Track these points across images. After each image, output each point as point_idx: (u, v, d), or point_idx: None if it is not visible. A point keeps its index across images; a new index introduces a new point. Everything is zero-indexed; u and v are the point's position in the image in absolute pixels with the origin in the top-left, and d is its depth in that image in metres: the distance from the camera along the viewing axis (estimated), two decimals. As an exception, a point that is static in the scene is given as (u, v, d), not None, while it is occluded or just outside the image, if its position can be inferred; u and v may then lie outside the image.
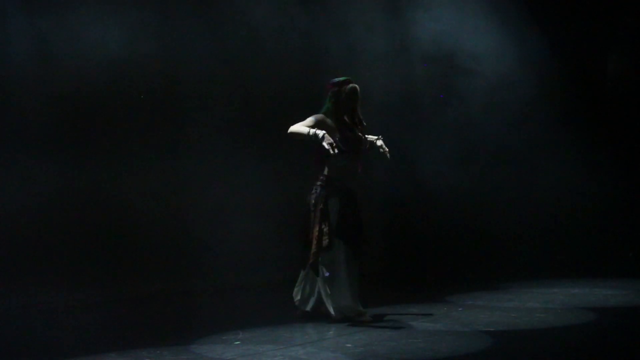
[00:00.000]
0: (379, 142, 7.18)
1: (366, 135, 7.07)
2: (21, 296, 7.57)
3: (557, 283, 9.00)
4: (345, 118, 6.87)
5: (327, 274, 6.78)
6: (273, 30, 9.38)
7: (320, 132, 6.59)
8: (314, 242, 6.69)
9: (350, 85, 6.84)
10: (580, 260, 10.23)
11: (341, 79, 6.88)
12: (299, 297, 7.00)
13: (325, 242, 6.68)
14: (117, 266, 8.23)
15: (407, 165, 10.36)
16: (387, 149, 7.18)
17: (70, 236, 7.99)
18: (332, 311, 6.78)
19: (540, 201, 10.89)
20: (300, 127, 6.69)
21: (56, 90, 7.94)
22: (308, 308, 6.98)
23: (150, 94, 8.53)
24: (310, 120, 6.75)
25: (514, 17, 10.52)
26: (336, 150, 6.53)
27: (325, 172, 6.84)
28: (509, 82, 10.53)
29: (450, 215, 10.74)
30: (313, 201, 6.80)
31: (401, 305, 7.56)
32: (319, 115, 6.80)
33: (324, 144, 6.54)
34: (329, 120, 6.80)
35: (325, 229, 6.69)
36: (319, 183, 6.84)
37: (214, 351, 5.89)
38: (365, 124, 6.99)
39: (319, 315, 6.88)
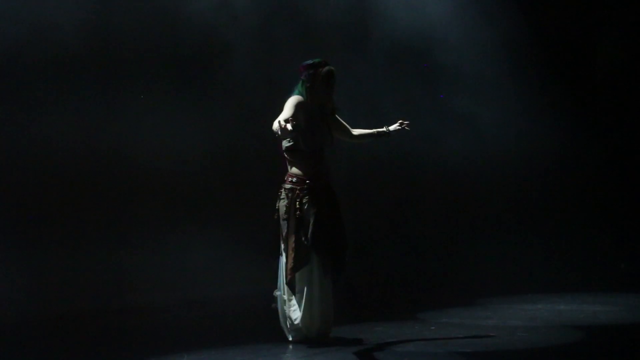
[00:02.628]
0: (393, 127, 6.69)
1: (365, 130, 6.70)
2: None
3: (541, 298, 8.93)
4: (318, 106, 6.40)
5: (278, 293, 6.49)
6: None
7: (277, 130, 5.98)
8: (291, 255, 6.26)
9: (327, 67, 6.36)
10: (567, 273, 10.24)
11: (316, 60, 6.39)
12: (279, 294, 6.64)
13: (304, 256, 6.26)
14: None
15: (377, 169, 10.45)
16: (401, 123, 6.70)
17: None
18: (287, 334, 6.47)
19: (523, 207, 11.00)
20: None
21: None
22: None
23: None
24: (288, 109, 6.19)
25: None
26: (289, 126, 5.87)
27: (294, 171, 6.37)
28: (489, 70, 10.62)
29: (421, 222, 10.78)
30: (285, 208, 6.33)
31: (367, 324, 7.39)
32: (297, 98, 6.28)
33: (282, 132, 5.92)
34: (305, 102, 6.31)
35: (304, 241, 6.27)
36: (288, 186, 6.36)
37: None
38: (339, 108, 6.57)
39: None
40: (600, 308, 8.20)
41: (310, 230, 6.25)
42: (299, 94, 6.37)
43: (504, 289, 9.45)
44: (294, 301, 6.36)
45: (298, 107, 6.23)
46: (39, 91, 8.23)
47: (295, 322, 6.34)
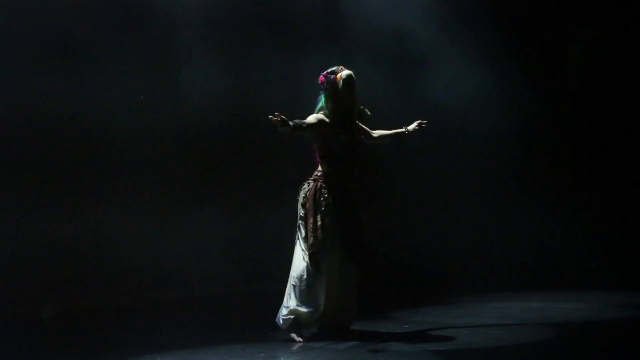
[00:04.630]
0: (411, 127, 6.96)
1: (385, 131, 6.93)
2: None
3: (513, 296, 8.98)
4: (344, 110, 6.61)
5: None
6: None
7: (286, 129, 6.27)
8: (310, 234, 6.45)
9: (345, 71, 6.55)
10: (539, 271, 10.26)
11: (333, 68, 6.59)
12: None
13: (319, 235, 6.42)
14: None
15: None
16: (420, 124, 6.97)
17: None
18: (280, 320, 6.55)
19: (495, 205, 10.91)
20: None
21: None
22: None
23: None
24: (310, 118, 6.49)
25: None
26: (278, 119, 6.11)
27: (321, 169, 6.62)
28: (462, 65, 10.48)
29: (391, 220, 10.65)
30: (304, 194, 6.56)
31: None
32: (318, 115, 6.53)
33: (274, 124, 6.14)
34: (327, 120, 6.52)
35: (319, 222, 6.45)
36: (311, 178, 6.64)
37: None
38: (369, 113, 6.74)
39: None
40: (571, 306, 8.24)
41: (328, 216, 6.43)
42: (323, 105, 6.56)
43: (477, 288, 9.49)
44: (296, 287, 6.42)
45: (319, 121, 6.45)
46: (14, 65, 8.10)
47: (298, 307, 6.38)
